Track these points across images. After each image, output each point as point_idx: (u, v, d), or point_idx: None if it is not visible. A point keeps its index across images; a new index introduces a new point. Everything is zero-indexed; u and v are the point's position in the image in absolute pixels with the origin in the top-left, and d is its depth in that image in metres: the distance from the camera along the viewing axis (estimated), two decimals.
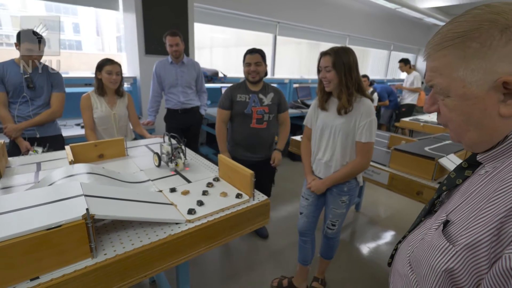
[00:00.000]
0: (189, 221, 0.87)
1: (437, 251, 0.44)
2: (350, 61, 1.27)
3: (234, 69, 4.20)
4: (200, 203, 0.95)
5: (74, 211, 0.69)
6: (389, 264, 0.67)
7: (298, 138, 2.31)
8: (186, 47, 3.27)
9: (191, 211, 0.90)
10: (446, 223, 0.46)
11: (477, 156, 0.50)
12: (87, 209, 0.68)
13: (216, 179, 1.16)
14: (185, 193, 1.03)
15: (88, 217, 0.67)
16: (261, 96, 1.86)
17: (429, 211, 0.58)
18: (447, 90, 0.46)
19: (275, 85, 2.03)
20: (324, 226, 1.57)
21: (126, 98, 2.01)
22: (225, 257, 2.02)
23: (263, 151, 1.97)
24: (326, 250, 1.63)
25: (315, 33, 5.01)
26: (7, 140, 1.83)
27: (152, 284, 1.70)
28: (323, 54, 1.31)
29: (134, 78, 3.15)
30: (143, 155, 1.45)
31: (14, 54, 1.85)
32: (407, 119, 3.37)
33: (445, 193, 0.56)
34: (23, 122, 1.82)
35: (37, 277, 0.63)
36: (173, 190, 1.05)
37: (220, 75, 3.62)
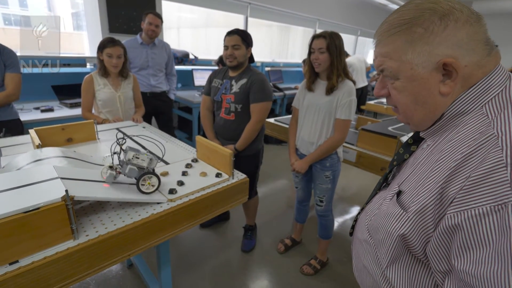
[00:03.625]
0: (171, 200, 0.88)
1: (393, 218, 0.51)
2: (341, 45, 1.38)
3: (204, 51, 4.09)
4: (181, 183, 0.96)
5: (52, 193, 0.67)
6: (351, 234, 0.75)
7: (271, 120, 2.36)
8: None
9: (172, 191, 0.91)
10: (398, 193, 0.53)
11: (420, 133, 0.57)
12: (66, 191, 0.66)
13: (195, 160, 1.17)
14: (164, 174, 1.03)
15: (68, 199, 0.66)
16: (233, 82, 1.62)
17: (382, 184, 0.65)
18: (397, 73, 0.51)
19: None
20: (315, 204, 1.67)
21: (131, 79, 1.93)
22: (199, 239, 2.06)
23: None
24: (321, 229, 1.73)
25: (287, 16, 5.00)
26: None
27: (130, 268, 1.70)
28: (317, 37, 1.38)
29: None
30: (115, 138, 1.40)
31: None
32: (372, 102, 3.57)
33: (395, 167, 0.63)
34: None
35: (17, 261, 0.62)
36: None
37: (191, 56, 3.51)
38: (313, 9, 5.27)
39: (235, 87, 1.60)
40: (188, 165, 1.11)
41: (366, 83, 4.86)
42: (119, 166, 0.85)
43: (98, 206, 0.84)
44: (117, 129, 1.56)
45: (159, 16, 2.39)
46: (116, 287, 1.58)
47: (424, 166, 0.50)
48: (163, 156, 1.06)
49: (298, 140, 1.61)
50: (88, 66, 2.89)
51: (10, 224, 0.59)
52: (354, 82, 1.44)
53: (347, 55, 4.70)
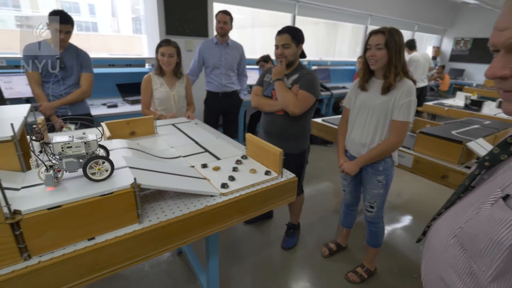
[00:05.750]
0: (223, 194, 0.92)
1: (502, 225, 0.43)
2: (400, 42, 1.30)
3: (249, 51, 4.15)
4: (232, 178, 1.00)
5: (122, 180, 0.74)
6: (418, 241, 0.68)
7: (318, 120, 2.30)
8: (206, 27, 3.26)
9: (224, 185, 0.94)
10: (505, 198, 0.46)
11: None
12: (135, 179, 0.73)
13: (244, 157, 1.19)
14: (216, 169, 1.07)
15: (135, 186, 0.73)
16: (284, 78, 1.62)
17: (467, 188, 0.58)
18: None
19: None
20: (364, 210, 1.59)
21: (184, 79, 2.03)
22: (243, 234, 2.10)
23: (282, 143, 1.40)
24: (370, 236, 1.64)
25: (336, 12, 4.83)
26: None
27: (179, 255, 1.81)
28: (375, 33, 1.32)
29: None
30: (171, 133, 1.51)
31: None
32: (430, 103, 3.27)
33: (485, 170, 0.56)
34: (56, 100, 1.91)
35: (93, 238, 0.70)
36: (204, 166, 1.09)
37: None
38: (364, 5, 5.01)
39: (287, 83, 1.60)
40: (238, 162, 1.14)
41: (426, 83, 4.47)
42: (55, 164, 0.71)
43: (158, 195, 0.91)
44: (173, 124, 1.67)
45: (227, 13, 2.48)
46: (166, 270, 1.70)
47: None
48: (102, 136, 0.82)
49: (348, 141, 1.54)
50: (147, 66, 3.15)
51: (90, 205, 0.67)
52: (414, 82, 1.34)
53: (413, 49, 4.35)
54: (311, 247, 1.96)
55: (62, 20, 1.82)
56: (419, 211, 2.51)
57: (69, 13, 1.87)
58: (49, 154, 0.71)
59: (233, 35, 2.70)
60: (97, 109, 2.50)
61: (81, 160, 0.73)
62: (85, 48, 2.06)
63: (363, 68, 1.42)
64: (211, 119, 2.67)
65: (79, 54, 1.99)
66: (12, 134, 0.75)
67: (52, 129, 1.93)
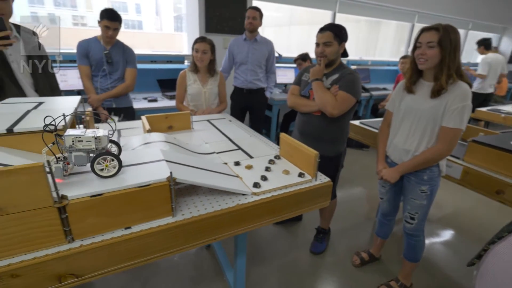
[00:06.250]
0: (255, 193, 0.90)
1: None
2: (456, 40, 1.18)
3: (286, 49, 4.09)
4: (264, 178, 0.98)
5: (159, 173, 0.76)
6: (470, 265, 0.61)
7: (355, 122, 2.20)
8: (243, 25, 3.27)
9: (256, 185, 0.93)
10: None
11: None
12: (171, 173, 0.74)
13: (277, 157, 1.17)
14: (249, 167, 1.07)
15: (171, 180, 0.74)
16: (323, 78, 1.55)
17: None
18: None
19: None
20: (403, 220, 1.48)
21: (218, 77, 2.03)
22: (271, 234, 2.08)
23: (318, 145, 1.32)
24: (408, 250, 1.52)
25: (379, 9, 4.58)
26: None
27: (208, 249, 1.84)
28: (427, 29, 1.21)
29: None
30: (206, 129, 1.53)
31: (90, 34, 2.06)
32: (484, 108, 2.96)
33: None
34: (103, 93, 2.05)
35: (130, 227, 0.73)
36: (237, 163, 1.09)
37: (276, 54, 3.56)
38: (410, 0, 4.68)
39: (326, 83, 1.53)
40: (271, 161, 1.12)
41: (492, 90, 4.08)
42: (65, 157, 0.72)
43: (191, 189, 0.92)
44: (208, 120, 1.70)
45: (257, 9, 2.49)
46: (195, 262, 1.74)
47: None
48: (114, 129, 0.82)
49: (390, 147, 1.44)
50: (186, 63, 3.25)
51: (128, 195, 0.70)
52: (470, 85, 1.21)
53: (488, 49, 3.95)
54: (341, 254, 1.88)
55: (111, 18, 1.93)
56: (463, 227, 2.29)
57: (118, 12, 1.99)
58: (60, 146, 0.71)
59: (269, 33, 2.68)
60: (138, 103, 2.63)
61: (91, 155, 0.72)
62: (130, 45, 2.17)
63: (411, 68, 1.31)
64: (236, 115, 2.68)
65: (125, 50, 2.10)
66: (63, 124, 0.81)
67: (98, 119, 2.07)
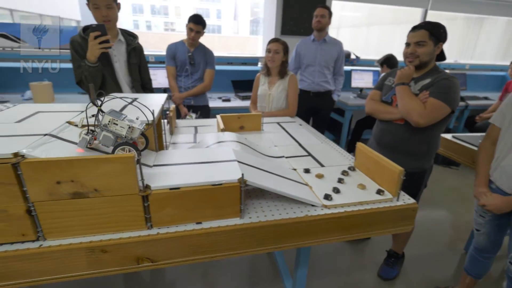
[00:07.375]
0: (326, 206, 0.84)
1: None
2: None
3: (363, 51, 3.79)
4: (337, 190, 0.90)
5: (231, 173, 0.76)
6: None
7: (447, 136, 1.89)
8: None
9: (327, 197, 0.86)
10: None
11: None
12: (242, 174, 0.74)
13: (352, 168, 1.07)
14: (320, 176, 1.00)
15: (242, 182, 0.74)
16: (411, 83, 1.36)
17: None
18: None
19: None
20: (507, 261, 1.21)
21: (287, 79, 1.91)
22: (336, 248, 1.95)
23: (397, 157, 1.12)
24: None
25: (481, 3, 3.87)
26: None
27: (268, 254, 1.83)
28: None
29: None
30: (276, 131, 1.52)
31: (176, 38, 2.25)
32: None
33: None
34: (184, 92, 2.24)
35: (201, 223, 0.75)
36: (307, 171, 1.04)
37: (352, 56, 3.35)
38: None
39: (414, 88, 1.35)
40: (344, 172, 1.03)
41: None
42: (96, 132, 0.72)
43: (259, 192, 0.91)
44: (278, 123, 1.68)
45: (326, 7, 2.38)
46: (253, 264, 1.75)
47: None
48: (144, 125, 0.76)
49: (496, 170, 1.18)
50: (259, 65, 3.32)
51: (201, 192, 0.72)
52: None
53: None
54: (415, 286, 1.64)
55: (195, 21, 2.10)
56: None
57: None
58: (98, 122, 0.71)
59: (345, 33, 2.51)
60: (213, 102, 2.80)
61: (118, 140, 0.72)
62: (210, 48, 2.32)
63: None
64: (300, 118, 2.56)
65: (206, 53, 2.25)
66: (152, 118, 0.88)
67: (178, 115, 2.27)
